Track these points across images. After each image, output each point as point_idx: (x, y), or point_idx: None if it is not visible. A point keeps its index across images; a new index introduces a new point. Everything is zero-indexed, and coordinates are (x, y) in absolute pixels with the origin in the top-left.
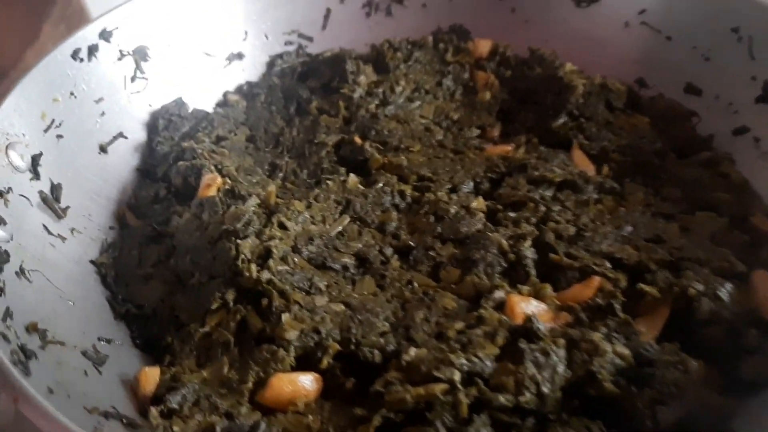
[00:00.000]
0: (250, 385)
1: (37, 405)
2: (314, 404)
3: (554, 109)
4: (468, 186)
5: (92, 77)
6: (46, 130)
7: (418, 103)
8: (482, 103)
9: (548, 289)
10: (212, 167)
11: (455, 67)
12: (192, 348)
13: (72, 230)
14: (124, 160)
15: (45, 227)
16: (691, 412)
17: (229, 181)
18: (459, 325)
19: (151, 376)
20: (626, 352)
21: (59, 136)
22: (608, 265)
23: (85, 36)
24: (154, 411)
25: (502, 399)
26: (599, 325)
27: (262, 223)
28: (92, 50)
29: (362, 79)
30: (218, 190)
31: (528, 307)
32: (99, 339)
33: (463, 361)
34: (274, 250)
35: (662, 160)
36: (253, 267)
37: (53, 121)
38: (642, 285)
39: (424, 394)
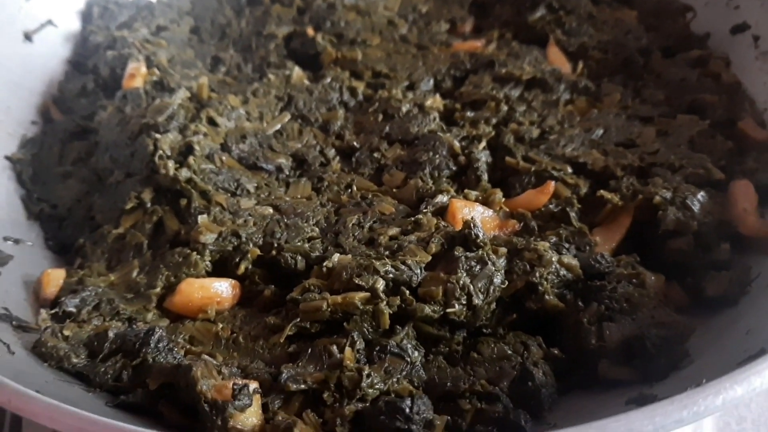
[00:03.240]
0: (158, 290)
1: None
2: (228, 312)
3: (532, 1)
4: (427, 84)
5: None
6: None
7: None
8: None
9: (498, 194)
10: (141, 57)
11: None
12: (104, 250)
13: None
14: (51, 50)
15: None
16: (642, 331)
17: (157, 72)
18: (393, 230)
19: (54, 278)
20: (574, 262)
21: None
22: (569, 170)
23: None
24: (44, 313)
25: (428, 309)
26: (550, 234)
27: (189, 118)
28: None
29: None
30: (144, 81)
31: (472, 213)
32: (5, 239)
33: (389, 268)
34: (197, 147)
35: (646, 59)
36: (171, 164)
37: None
38: (602, 192)
39: (341, 303)
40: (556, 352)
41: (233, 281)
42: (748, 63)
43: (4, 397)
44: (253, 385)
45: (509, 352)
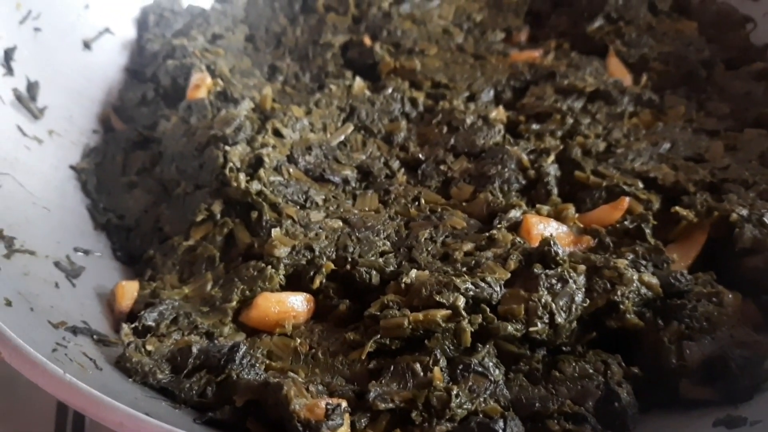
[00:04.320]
0: (234, 304)
1: None
2: (303, 327)
3: (590, 12)
4: (488, 95)
5: None
6: (21, 22)
7: (437, 1)
8: (509, 4)
9: (571, 209)
10: (203, 67)
11: None
12: (175, 262)
13: (50, 132)
14: (110, 59)
15: (19, 128)
16: (722, 350)
17: (221, 83)
18: (468, 246)
19: (128, 291)
20: (654, 281)
21: (37, 29)
22: (640, 185)
23: None
24: (126, 327)
25: (511, 328)
26: (626, 251)
27: (255, 130)
28: None
29: None
30: (209, 91)
31: (546, 228)
32: (75, 249)
33: (470, 285)
34: (266, 159)
35: (709, 71)
36: (242, 176)
37: (30, 12)
38: (677, 208)
39: (423, 320)
40: (636, 371)
41: (307, 295)
42: None
43: (116, 419)
44: (343, 403)
45: (590, 370)
